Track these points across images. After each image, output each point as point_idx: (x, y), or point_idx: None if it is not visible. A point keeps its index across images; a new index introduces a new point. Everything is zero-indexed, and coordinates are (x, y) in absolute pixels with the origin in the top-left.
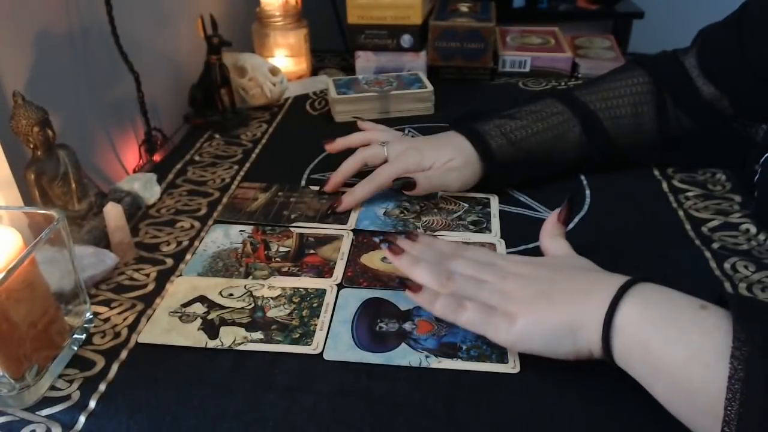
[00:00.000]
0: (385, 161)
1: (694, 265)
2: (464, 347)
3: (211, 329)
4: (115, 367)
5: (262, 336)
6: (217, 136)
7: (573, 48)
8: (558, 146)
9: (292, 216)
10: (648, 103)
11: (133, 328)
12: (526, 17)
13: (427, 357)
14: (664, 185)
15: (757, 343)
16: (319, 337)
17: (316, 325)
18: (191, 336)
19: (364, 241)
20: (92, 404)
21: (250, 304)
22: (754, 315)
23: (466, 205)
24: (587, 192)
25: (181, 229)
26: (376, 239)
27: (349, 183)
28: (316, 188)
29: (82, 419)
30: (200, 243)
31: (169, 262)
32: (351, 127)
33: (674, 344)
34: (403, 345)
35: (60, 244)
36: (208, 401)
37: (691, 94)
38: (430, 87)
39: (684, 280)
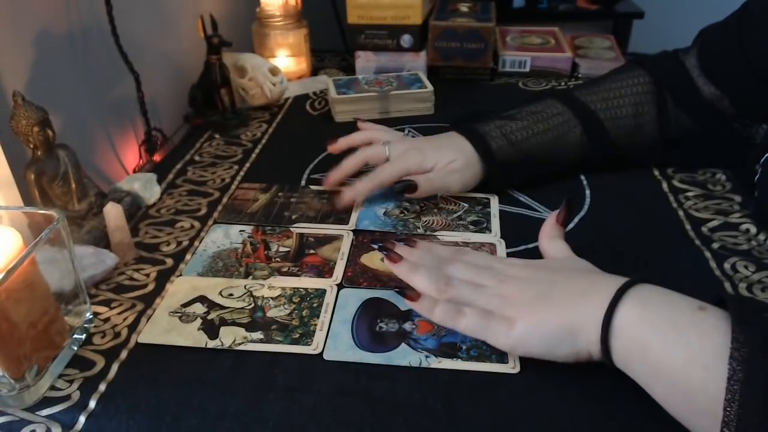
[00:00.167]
0: (387, 161)
1: (694, 265)
2: (464, 347)
3: (211, 329)
4: (115, 367)
5: (262, 336)
6: (217, 136)
7: (573, 48)
8: (558, 147)
9: (293, 216)
10: (649, 103)
11: (133, 328)
12: (526, 17)
13: (427, 357)
14: (664, 185)
15: (756, 344)
16: (319, 337)
17: (316, 325)
18: (191, 336)
19: (364, 241)
20: (92, 404)
21: (250, 304)
22: (753, 316)
23: (466, 205)
24: (587, 192)
25: (181, 229)
26: (375, 246)
27: (349, 183)
28: (318, 188)
29: (82, 419)
30: (200, 243)
31: (169, 262)
32: (351, 127)
33: (673, 346)
34: (403, 345)
35: (60, 244)
36: (208, 401)
37: (692, 94)
38: (430, 87)
39: (684, 280)
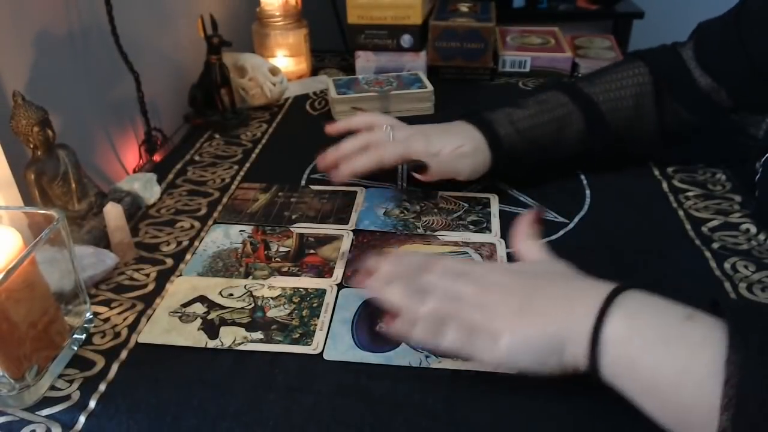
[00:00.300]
0: None
1: (694, 265)
2: None
3: (211, 329)
4: (115, 367)
5: (262, 336)
6: (217, 136)
7: (573, 48)
8: (562, 136)
9: (293, 216)
10: (648, 94)
11: (133, 328)
12: (526, 17)
13: (427, 357)
14: (664, 185)
15: (751, 348)
16: (319, 337)
17: (316, 325)
18: (191, 336)
19: (364, 241)
20: (92, 404)
21: (250, 304)
22: (748, 321)
23: (466, 205)
24: (587, 192)
25: (181, 229)
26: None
27: (350, 183)
28: (318, 188)
29: (82, 419)
30: (200, 243)
31: (169, 262)
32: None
33: (663, 362)
34: (403, 345)
35: (60, 244)
36: (208, 401)
37: (689, 86)
38: (430, 87)
39: (684, 280)
